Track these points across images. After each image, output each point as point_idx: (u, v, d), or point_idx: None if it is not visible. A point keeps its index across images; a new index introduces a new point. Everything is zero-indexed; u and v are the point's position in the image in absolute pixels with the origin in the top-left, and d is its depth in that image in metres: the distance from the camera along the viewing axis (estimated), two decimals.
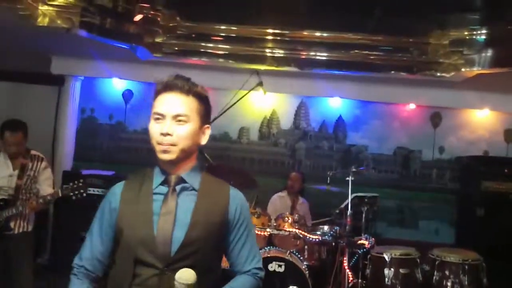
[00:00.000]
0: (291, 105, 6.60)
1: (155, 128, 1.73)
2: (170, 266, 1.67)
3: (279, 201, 5.67)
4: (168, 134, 1.69)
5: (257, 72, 5.22)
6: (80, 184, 3.87)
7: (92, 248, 1.83)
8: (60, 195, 3.85)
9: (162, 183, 1.77)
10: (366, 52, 5.78)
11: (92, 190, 5.84)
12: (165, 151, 1.71)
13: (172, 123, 1.71)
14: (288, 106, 6.59)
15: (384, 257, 4.26)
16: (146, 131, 5.90)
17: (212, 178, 1.85)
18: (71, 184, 3.89)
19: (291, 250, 4.72)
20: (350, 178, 4.68)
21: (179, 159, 1.73)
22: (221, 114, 5.07)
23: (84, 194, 3.91)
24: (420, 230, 6.44)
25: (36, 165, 4.08)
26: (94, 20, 4.86)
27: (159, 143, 1.71)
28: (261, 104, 6.48)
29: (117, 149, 6.66)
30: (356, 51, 5.79)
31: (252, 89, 5.16)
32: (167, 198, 1.74)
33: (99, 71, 6.32)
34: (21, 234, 3.99)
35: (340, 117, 6.57)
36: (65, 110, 6.42)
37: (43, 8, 4.69)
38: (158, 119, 1.73)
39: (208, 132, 1.80)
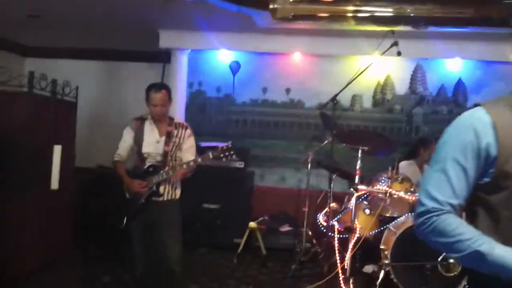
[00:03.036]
0: (406, 69, 6.28)
1: None
2: None
3: (407, 168, 5.40)
4: None
5: (392, 32, 4.93)
6: (229, 146, 3.76)
7: (453, 187, 1.52)
8: (211, 157, 3.76)
9: None
10: (490, 5, 5.37)
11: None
12: None
13: None
14: (403, 70, 6.27)
15: None
16: (255, 103, 5.79)
17: None
18: (220, 146, 3.80)
19: None
20: None
21: None
22: (352, 81, 4.84)
23: (234, 156, 3.79)
24: None
25: (181, 133, 4.01)
26: None
27: None
28: (375, 69, 6.19)
29: (226, 122, 6.57)
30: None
31: (387, 50, 4.85)
32: None
33: (206, 43, 6.22)
34: (170, 201, 3.95)
35: (459, 80, 6.20)
36: (174, 85, 6.36)
37: None
38: None
39: None
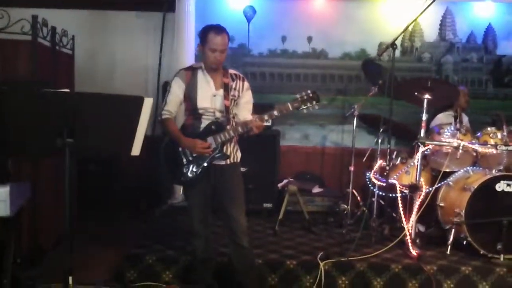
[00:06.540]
0: (435, 14, 5.84)
1: None
2: None
3: (446, 120, 5.06)
4: None
5: None
6: (312, 94, 3.21)
7: None
8: (291, 109, 3.23)
9: None
10: None
11: None
12: None
13: None
14: (432, 16, 5.81)
15: None
16: (273, 54, 5.14)
17: None
18: (298, 96, 3.24)
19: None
20: None
21: None
22: (412, 23, 4.29)
23: (317, 107, 3.26)
24: None
25: (239, 85, 3.44)
26: None
27: None
28: (402, 15, 5.69)
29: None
30: None
31: None
32: None
33: None
34: (233, 165, 3.41)
35: (489, 25, 5.86)
36: (180, 36, 5.60)
37: None
38: None
39: None
